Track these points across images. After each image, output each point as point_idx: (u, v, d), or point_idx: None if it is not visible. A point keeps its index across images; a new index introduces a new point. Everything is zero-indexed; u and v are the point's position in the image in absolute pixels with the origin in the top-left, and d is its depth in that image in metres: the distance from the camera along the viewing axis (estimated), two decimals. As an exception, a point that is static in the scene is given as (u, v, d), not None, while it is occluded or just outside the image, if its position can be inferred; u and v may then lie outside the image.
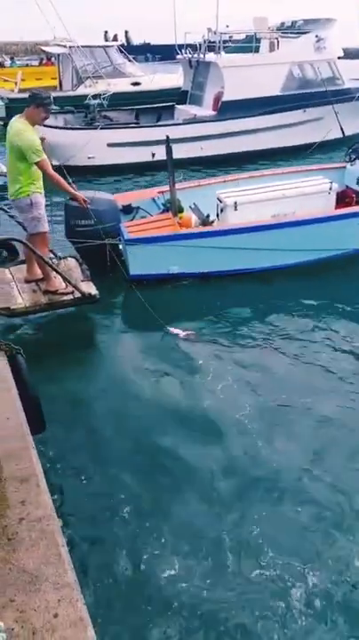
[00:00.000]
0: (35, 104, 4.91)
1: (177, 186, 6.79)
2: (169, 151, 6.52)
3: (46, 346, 5.22)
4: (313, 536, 3.29)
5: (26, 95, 5.22)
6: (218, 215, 6.85)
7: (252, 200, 6.62)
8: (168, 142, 6.51)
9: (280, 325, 5.64)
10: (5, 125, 16.86)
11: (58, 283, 5.26)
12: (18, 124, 4.92)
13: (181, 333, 5.42)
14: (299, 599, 2.92)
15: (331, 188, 6.89)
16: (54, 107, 9.24)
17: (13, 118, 5.04)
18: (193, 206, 6.99)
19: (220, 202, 6.70)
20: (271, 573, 3.04)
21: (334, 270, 6.60)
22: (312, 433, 4.13)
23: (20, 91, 17.22)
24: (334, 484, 3.62)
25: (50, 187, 5.24)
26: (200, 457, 3.87)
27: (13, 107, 15.90)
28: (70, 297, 5.22)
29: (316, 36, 12.96)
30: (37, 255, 5.01)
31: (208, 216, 6.89)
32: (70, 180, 5.74)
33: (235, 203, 6.53)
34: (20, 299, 5.15)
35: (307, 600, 2.92)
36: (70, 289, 5.18)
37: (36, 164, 4.83)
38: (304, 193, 6.79)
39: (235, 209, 6.53)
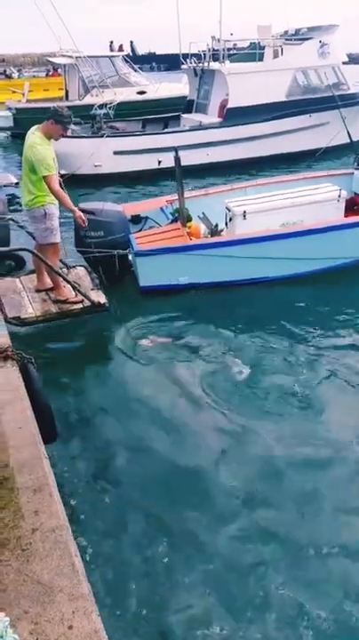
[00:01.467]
0: (54, 119, 4.93)
1: (185, 194, 6.80)
2: (177, 161, 6.53)
3: (57, 355, 5.23)
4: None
5: (34, 106, 5.28)
6: (226, 224, 6.85)
7: (261, 209, 6.60)
8: (176, 153, 6.53)
9: (291, 335, 5.58)
10: (13, 135, 17.10)
11: (67, 292, 5.28)
12: (34, 137, 4.95)
13: (152, 341, 5.41)
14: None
15: (340, 196, 6.85)
16: (72, 126, 9.33)
17: (31, 130, 5.05)
18: (201, 216, 7.00)
19: (229, 211, 6.70)
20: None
21: (345, 278, 6.57)
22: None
23: (28, 101, 17.44)
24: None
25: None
26: (214, 470, 3.83)
27: (21, 117, 16.12)
28: (80, 306, 5.24)
29: (320, 42, 13.03)
30: (47, 265, 5.03)
31: (216, 225, 6.88)
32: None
33: (244, 212, 6.52)
34: (31, 308, 5.18)
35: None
36: (80, 298, 5.20)
37: (44, 177, 4.86)
38: (313, 201, 6.76)
39: (244, 218, 6.52)
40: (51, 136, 5.02)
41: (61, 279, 5.16)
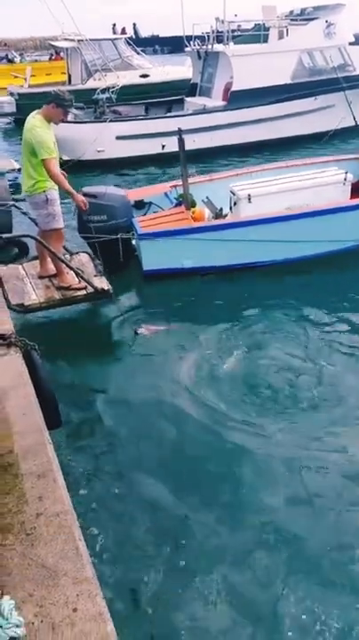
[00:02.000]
0: (56, 103, 4.89)
1: (189, 180, 6.74)
2: (181, 145, 6.47)
3: (60, 341, 5.23)
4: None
5: (36, 90, 5.24)
6: (231, 208, 6.80)
7: (266, 192, 6.54)
8: (180, 135, 6.45)
9: (297, 320, 5.54)
10: (16, 121, 16.91)
11: (71, 278, 5.26)
12: (34, 120, 4.90)
13: (147, 329, 5.39)
14: None
15: (345, 179, 6.77)
16: (74, 110, 9.23)
17: (31, 114, 5.01)
18: (206, 200, 6.94)
19: (234, 194, 6.64)
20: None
21: (352, 261, 6.51)
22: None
23: (30, 86, 17.26)
24: None
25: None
26: (220, 458, 3.83)
27: (23, 103, 15.97)
28: (83, 292, 5.22)
29: (326, 22, 12.78)
30: (50, 251, 5.02)
31: (221, 209, 6.83)
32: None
33: (249, 195, 6.46)
34: (34, 295, 5.17)
35: None
36: (83, 284, 5.19)
37: (43, 160, 4.81)
38: (318, 184, 6.69)
39: (249, 201, 6.46)
40: (52, 120, 4.98)
41: (64, 266, 5.14)
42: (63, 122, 5.15)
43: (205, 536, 3.23)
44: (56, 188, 5.06)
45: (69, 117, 12.57)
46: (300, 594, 2.88)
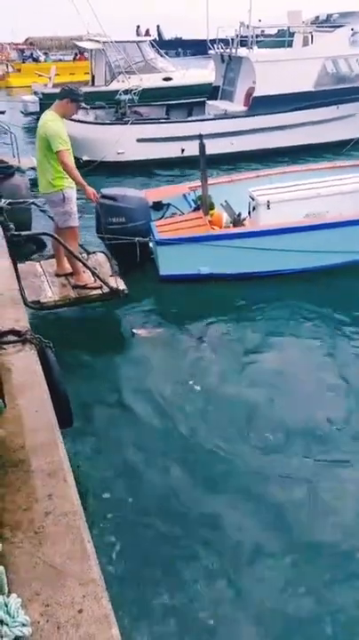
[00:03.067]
0: (69, 98, 4.96)
1: (208, 181, 6.73)
2: (202, 149, 6.45)
3: (75, 340, 5.25)
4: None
5: (59, 90, 5.29)
6: (249, 213, 6.76)
7: (286, 199, 6.50)
8: (201, 140, 6.44)
9: (313, 332, 5.50)
10: (38, 120, 17.03)
11: (87, 277, 5.28)
12: (47, 115, 4.99)
13: (144, 332, 5.37)
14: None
15: None
16: (84, 105, 9.31)
17: (44, 112, 5.09)
18: (224, 204, 6.92)
19: (253, 200, 6.60)
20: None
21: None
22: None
23: (54, 86, 17.39)
24: None
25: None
26: (233, 463, 3.82)
27: (47, 102, 16.10)
28: (99, 292, 5.24)
29: (352, 30, 12.70)
30: (67, 249, 5.04)
31: (239, 214, 6.79)
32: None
33: (268, 201, 6.42)
34: (50, 292, 5.20)
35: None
36: (99, 284, 5.21)
37: (58, 152, 4.84)
38: (339, 192, 6.63)
39: (268, 208, 6.42)
40: (65, 115, 5.05)
41: (81, 264, 5.17)
42: (73, 115, 5.21)
43: (217, 540, 3.22)
44: (73, 186, 5.09)
45: (90, 118, 12.73)
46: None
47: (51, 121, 4.90)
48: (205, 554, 3.13)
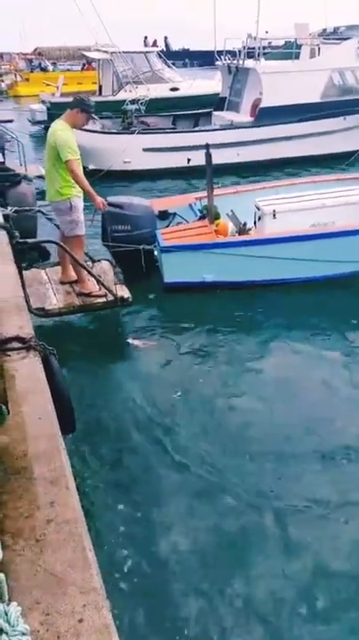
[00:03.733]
0: (80, 108, 4.99)
1: (214, 192, 6.75)
2: (208, 158, 6.48)
3: (78, 347, 5.26)
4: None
5: (67, 99, 5.34)
6: (255, 223, 6.78)
7: (292, 209, 6.50)
8: (208, 149, 6.48)
9: (318, 343, 5.47)
10: (46, 129, 17.17)
11: (91, 285, 5.30)
12: (57, 124, 5.01)
13: (140, 344, 5.36)
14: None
15: None
16: (104, 121, 9.39)
17: (54, 121, 5.12)
18: (230, 214, 6.94)
19: (258, 209, 6.62)
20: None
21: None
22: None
23: (62, 95, 17.57)
24: None
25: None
26: (232, 470, 3.81)
27: (54, 111, 16.24)
28: (103, 299, 5.25)
29: (358, 42, 12.79)
30: (72, 257, 5.06)
31: (245, 224, 6.81)
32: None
33: (274, 211, 6.43)
34: (55, 300, 5.22)
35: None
36: (103, 292, 5.22)
37: (67, 161, 4.87)
38: (346, 203, 6.63)
39: (274, 217, 6.43)
40: (75, 125, 5.07)
41: (86, 272, 5.18)
42: (84, 126, 5.24)
43: (221, 550, 3.20)
44: (81, 195, 5.12)
45: (97, 127, 12.84)
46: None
47: (60, 130, 4.93)
48: (207, 564, 3.11)
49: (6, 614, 1.46)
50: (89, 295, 5.29)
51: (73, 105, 5.03)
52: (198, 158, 6.93)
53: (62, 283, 5.53)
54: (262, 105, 12.35)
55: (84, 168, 5.30)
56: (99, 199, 5.18)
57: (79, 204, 5.15)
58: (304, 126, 12.36)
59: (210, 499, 3.56)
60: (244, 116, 13.09)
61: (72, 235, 5.21)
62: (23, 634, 1.45)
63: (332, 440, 4.08)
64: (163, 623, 2.80)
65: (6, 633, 1.43)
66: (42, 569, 1.87)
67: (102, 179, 10.55)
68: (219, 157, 9.16)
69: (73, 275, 5.44)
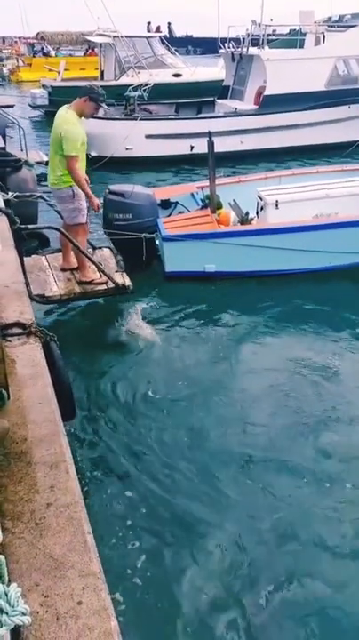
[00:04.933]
0: (89, 97, 4.88)
1: (217, 181, 6.70)
2: (211, 147, 6.43)
3: (79, 334, 5.26)
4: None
5: (68, 84, 5.29)
6: (257, 213, 6.74)
7: (294, 199, 6.47)
8: (210, 137, 6.42)
9: (319, 332, 5.49)
10: (46, 114, 17.03)
11: (92, 273, 5.28)
12: (67, 115, 4.89)
13: (140, 332, 5.34)
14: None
15: None
16: (106, 107, 9.27)
17: (62, 108, 5.02)
18: (232, 203, 6.89)
19: (261, 199, 6.58)
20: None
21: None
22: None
23: (63, 80, 17.40)
24: None
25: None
26: (235, 460, 3.83)
27: (56, 96, 16.09)
28: (104, 287, 5.24)
29: (364, 30, 12.66)
30: (74, 245, 5.04)
31: (247, 214, 6.77)
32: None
33: (277, 201, 6.39)
34: (55, 286, 5.21)
35: None
36: (104, 279, 5.21)
37: (67, 156, 4.80)
38: (349, 193, 6.59)
39: (276, 207, 6.40)
40: (84, 114, 4.98)
41: (87, 260, 5.16)
42: (93, 115, 5.16)
43: (217, 540, 3.22)
44: None
45: (100, 113, 12.69)
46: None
47: (71, 123, 4.82)
48: (203, 553, 3.14)
49: (6, 595, 1.48)
50: (90, 283, 5.27)
51: (82, 93, 4.94)
52: (201, 146, 6.87)
53: (63, 269, 5.51)
54: (266, 93, 12.24)
55: (87, 155, 5.24)
56: (95, 200, 5.12)
57: (81, 191, 5.11)
58: (308, 114, 12.27)
59: (211, 482, 3.58)
60: (248, 103, 12.98)
61: (74, 223, 5.18)
62: (23, 614, 1.47)
63: (332, 430, 4.10)
64: (161, 609, 2.83)
65: (6, 613, 1.44)
66: (41, 552, 1.89)
67: (103, 165, 10.49)
68: (223, 145, 9.10)
69: (74, 262, 5.42)
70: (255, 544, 3.16)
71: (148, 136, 11.94)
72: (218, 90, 14.18)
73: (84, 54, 27.10)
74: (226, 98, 13.75)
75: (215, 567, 3.04)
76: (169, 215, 7.08)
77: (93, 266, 5.19)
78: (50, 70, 20.12)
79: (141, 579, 2.97)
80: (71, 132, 4.79)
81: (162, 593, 2.90)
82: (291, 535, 3.23)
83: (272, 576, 2.99)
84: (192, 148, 11.58)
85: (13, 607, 1.47)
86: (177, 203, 7.33)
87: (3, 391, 2.51)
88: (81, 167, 4.94)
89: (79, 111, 4.93)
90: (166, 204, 7.28)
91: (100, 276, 5.23)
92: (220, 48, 13.83)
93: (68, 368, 3.53)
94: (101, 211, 5.88)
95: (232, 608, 2.83)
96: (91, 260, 5.14)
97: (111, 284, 5.19)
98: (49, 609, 1.70)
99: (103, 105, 5.25)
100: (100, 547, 2.05)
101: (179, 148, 11.76)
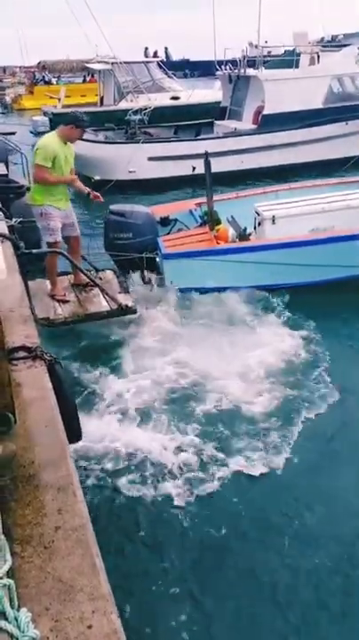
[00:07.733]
0: (74, 124, 5.10)
1: (215, 197, 6.80)
2: (207, 166, 6.54)
3: (83, 356, 5.28)
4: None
5: (68, 111, 5.44)
6: (255, 228, 6.81)
7: (291, 214, 6.54)
8: (207, 157, 6.54)
9: (318, 342, 5.50)
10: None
11: (60, 289, 5.51)
12: (49, 136, 5.16)
13: (144, 349, 5.38)
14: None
15: None
16: (107, 132, 9.42)
17: (46, 135, 5.24)
18: (230, 219, 6.97)
19: (258, 215, 6.65)
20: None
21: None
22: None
23: (63, 107, 17.75)
24: None
25: (91, 203, 5.36)
26: (239, 473, 3.83)
27: (56, 122, 16.35)
28: (107, 308, 5.29)
29: (357, 49, 12.89)
30: (75, 266, 5.16)
31: (245, 229, 6.84)
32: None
33: (274, 216, 6.47)
34: (60, 309, 5.26)
35: None
36: (65, 296, 5.37)
37: (36, 165, 4.99)
38: (346, 207, 6.65)
39: (273, 223, 6.47)
40: (69, 139, 5.16)
41: (56, 277, 5.37)
42: (78, 139, 5.34)
43: (231, 561, 3.20)
44: (57, 205, 5.17)
45: (101, 137, 12.91)
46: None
47: (45, 138, 5.10)
48: (212, 572, 3.11)
49: (16, 620, 1.48)
50: (53, 298, 5.43)
51: (67, 121, 5.14)
52: (203, 166, 6.98)
53: (74, 286, 5.63)
54: (265, 112, 12.42)
55: (90, 179, 5.38)
56: (83, 187, 5.29)
57: (50, 211, 5.18)
58: (306, 132, 12.42)
59: (219, 493, 3.56)
60: (247, 123, 13.17)
61: (45, 240, 5.29)
62: (33, 639, 1.46)
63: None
64: (169, 627, 2.80)
65: (17, 638, 1.44)
66: (51, 576, 1.88)
67: (108, 189, 10.59)
68: (224, 165, 9.20)
69: (83, 278, 5.53)
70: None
71: (151, 158, 12.08)
72: (215, 111, 14.39)
73: (83, 81, 27.64)
74: (224, 119, 13.94)
75: (222, 591, 3.00)
76: (168, 232, 7.16)
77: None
78: (51, 98, 20.53)
79: (150, 601, 2.94)
80: (42, 144, 5.00)
81: (171, 616, 2.86)
82: None
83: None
84: (194, 168, 11.67)
85: (24, 632, 1.47)
86: (176, 220, 7.40)
87: (10, 415, 2.52)
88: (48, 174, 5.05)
89: (64, 137, 5.12)
90: (165, 222, 7.35)
91: (65, 294, 5.43)
92: (217, 70, 14.08)
93: (73, 390, 3.55)
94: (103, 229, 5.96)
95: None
96: (93, 282, 5.21)
97: (114, 306, 5.24)
98: (59, 633, 1.68)
99: (88, 129, 5.49)
100: (110, 569, 2.04)
101: (182, 169, 11.87)
